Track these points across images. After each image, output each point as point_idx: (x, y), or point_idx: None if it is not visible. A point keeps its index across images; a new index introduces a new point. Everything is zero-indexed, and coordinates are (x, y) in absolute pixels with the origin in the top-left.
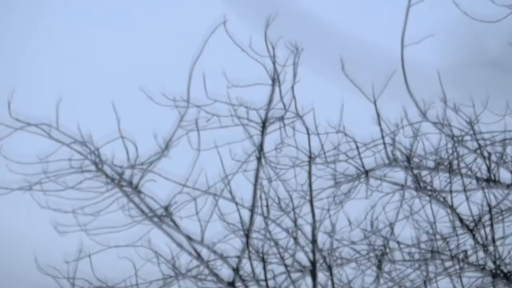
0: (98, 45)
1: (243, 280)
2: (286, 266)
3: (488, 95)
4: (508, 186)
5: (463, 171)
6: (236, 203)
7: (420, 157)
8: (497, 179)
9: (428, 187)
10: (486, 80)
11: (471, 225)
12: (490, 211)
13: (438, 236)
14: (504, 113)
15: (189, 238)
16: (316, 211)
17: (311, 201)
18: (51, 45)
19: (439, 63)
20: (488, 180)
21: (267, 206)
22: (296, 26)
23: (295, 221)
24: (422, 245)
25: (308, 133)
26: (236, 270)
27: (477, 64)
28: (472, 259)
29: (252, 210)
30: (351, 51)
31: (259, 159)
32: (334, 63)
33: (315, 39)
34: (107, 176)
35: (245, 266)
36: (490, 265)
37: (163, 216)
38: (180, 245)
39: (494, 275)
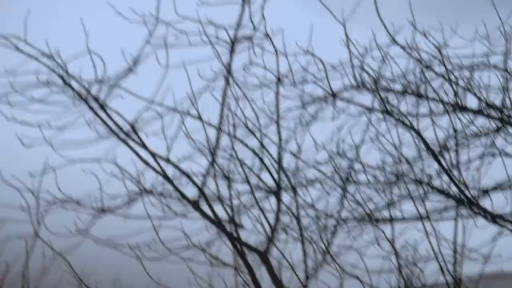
0: None
1: (207, 200)
2: (250, 185)
3: (458, 20)
4: (474, 112)
5: (430, 95)
6: (203, 122)
7: (388, 80)
8: (463, 104)
9: (395, 111)
10: (455, 5)
11: (436, 149)
12: (455, 136)
13: (403, 160)
14: (472, 38)
15: (154, 155)
16: (283, 132)
17: (277, 122)
18: None
19: None
20: (454, 106)
21: (233, 125)
22: None
23: (261, 141)
24: (387, 168)
25: (276, 54)
26: (201, 189)
27: None
28: (436, 183)
29: (218, 129)
30: None
31: (226, 78)
32: None
33: None
34: (74, 91)
35: (210, 185)
36: (454, 190)
37: (129, 133)
38: (145, 162)
39: (457, 200)
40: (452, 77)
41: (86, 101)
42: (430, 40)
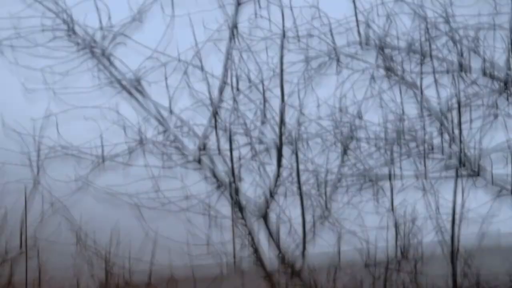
0: None
1: (208, 155)
2: (251, 138)
3: None
4: (478, 79)
5: (435, 54)
6: (205, 72)
7: (392, 37)
8: (467, 63)
9: (398, 68)
10: None
11: (439, 108)
12: (458, 95)
13: (404, 117)
14: (478, 1)
15: (157, 109)
16: (285, 85)
17: (280, 75)
18: None
19: None
20: (458, 65)
21: (236, 77)
22: None
23: (263, 94)
24: (388, 125)
25: (281, 6)
26: (202, 144)
27: None
28: (437, 143)
29: (221, 80)
30: None
31: (231, 29)
32: None
33: None
34: (77, 36)
35: (211, 136)
36: (455, 149)
37: (132, 81)
38: (147, 111)
39: (458, 160)
40: (457, 36)
41: (89, 48)
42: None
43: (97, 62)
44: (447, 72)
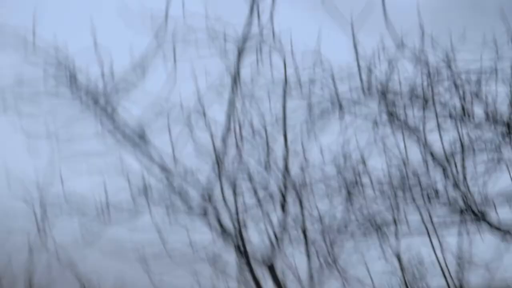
0: None
1: (214, 209)
2: (257, 195)
3: (465, 26)
4: (480, 123)
5: (437, 100)
6: (209, 126)
7: (395, 84)
8: (470, 111)
9: (401, 115)
10: (463, 11)
11: (442, 154)
12: (462, 146)
13: (408, 168)
14: (480, 45)
15: (161, 162)
16: (289, 133)
17: (284, 122)
18: None
19: None
20: (462, 110)
21: (239, 125)
22: None
23: (267, 141)
24: (392, 172)
25: (284, 54)
26: (207, 198)
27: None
28: (441, 193)
29: (225, 135)
30: None
31: (234, 77)
32: None
33: None
34: (80, 84)
35: (216, 194)
36: (460, 200)
37: (137, 137)
38: (150, 159)
39: (463, 211)
40: (459, 83)
41: (92, 96)
42: (437, 45)
43: (99, 109)
44: (450, 116)
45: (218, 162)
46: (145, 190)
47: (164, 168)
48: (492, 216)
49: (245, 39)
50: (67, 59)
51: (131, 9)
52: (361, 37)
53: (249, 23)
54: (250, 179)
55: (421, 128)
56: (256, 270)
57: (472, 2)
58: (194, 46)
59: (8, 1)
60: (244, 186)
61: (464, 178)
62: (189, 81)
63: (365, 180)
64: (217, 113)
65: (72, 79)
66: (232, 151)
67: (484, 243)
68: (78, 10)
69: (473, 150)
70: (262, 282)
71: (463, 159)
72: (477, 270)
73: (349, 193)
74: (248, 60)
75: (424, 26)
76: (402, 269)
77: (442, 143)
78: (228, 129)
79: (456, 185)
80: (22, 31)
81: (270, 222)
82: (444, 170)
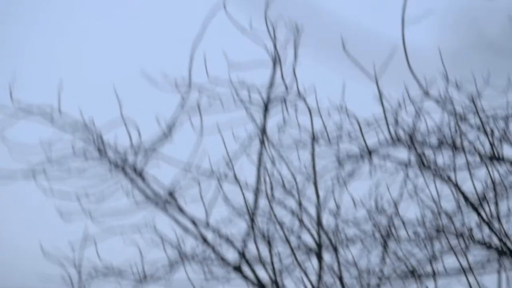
0: (98, 30)
1: (249, 263)
2: (291, 246)
3: (489, 72)
4: (511, 162)
5: (466, 147)
6: (240, 184)
7: (423, 134)
8: (500, 154)
9: (432, 165)
10: (486, 58)
11: (475, 201)
12: (494, 187)
13: (442, 214)
14: (505, 89)
15: (193, 221)
16: (320, 191)
17: (314, 181)
18: (50, 31)
19: (439, 41)
20: (491, 157)
21: (271, 187)
22: (294, 9)
23: (299, 202)
24: (427, 223)
25: (310, 113)
26: (242, 253)
27: (477, 43)
28: (477, 236)
29: (256, 191)
30: (350, 33)
31: (261, 140)
32: (334, 45)
33: (314, 22)
34: (110, 161)
35: (251, 248)
36: (496, 241)
37: (167, 200)
38: (185, 229)
39: (500, 252)
40: (487, 128)
41: (123, 170)
42: (463, 91)
43: (130, 180)
44: (481, 162)
45: (251, 222)
46: (179, 246)
47: (197, 232)
48: None
49: (269, 99)
50: (95, 133)
51: (155, 78)
52: (386, 86)
53: (272, 83)
54: (285, 237)
55: (452, 176)
56: None
57: (493, 44)
58: (219, 110)
59: (31, 80)
60: (277, 237)
61: (498, 217)
62: (217, 142)
63: (399, 224)
64: (247, 173)
65: (101, 153)
66: (264, 211)
67: None
68: (101, 82)
69: (505, 189)
70: None
71: (497, 206)
72: None
73: (383, 239)
74: (275, 119)
75: (447, 71)
76: None
77: (474, 185)
78: (258, 189)
79: (490, 225)
80: (48, 109)
81: (305, 271)
82: (477, 211)
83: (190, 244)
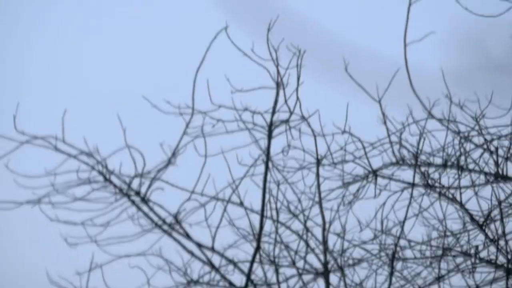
0: (100, 57)
1: (255, 285)
2: (297, 269)
3: (493, 91)
4: None
5: (471, 167)
6: (245, 208)
7: (427, 154)
8: (505, 173)
9: (437, 184)
10: (489, 78)
11: (481, 220)
12: (499, 206)
13: (448, 233)
14: (509, 108)
15: (199, 245)
16: (325, 213)
17: (320, 203)
18: (51, 57)
19: (441, 61)
20: (496, 175)
21: (276, 209)
22: (296, 31)
23: (305, 224)
24: (433, 243)
25: (314, 135)
26: (248, 275)
27: (480, 63)
28: (483, 254)
29: (261, 214)
30: (352, 54)
31: (266, 163)
32: (336, 66)
33: (315, 44)
34: (115, 186)
35: (257, 271)
36: (502, 260)
37: (173, 224)
38: (191, 253)
39: (507, 270)
40: (492, 147)
41: (128, 196)
42: (466, 111)
43: (135, 206)
44: (486, 183)
45: (258, 249)
46: (185, 270)
47: (204, 259)
48: None
49: (273, 122)
50: (100, 163)
51: (158, 104)
52: (389, 107)
53: (275, 106)
54: (289, 253)
55: (457, 197)
56: None
57: (497, 63)
58: (223, 135)
59: (32, 109)
60: (284, 260)
61: (504, 236)
62: (222, 168)
63: (405, 244)
64: (253, 199)
65: (107, 182)
66: (271, 237)
67: None
68: (104, 109)
69: (511, 206)
70: None
71: (503, 225)
72: None
73: (389, 259)
74: (279, 142)
75: (451, 91)
76: None
77: (479, 204)
78: (264, 208)
79: (497, 244)
80: (52, 138)
81: None
82: (483, 230)
83: (196, 268)
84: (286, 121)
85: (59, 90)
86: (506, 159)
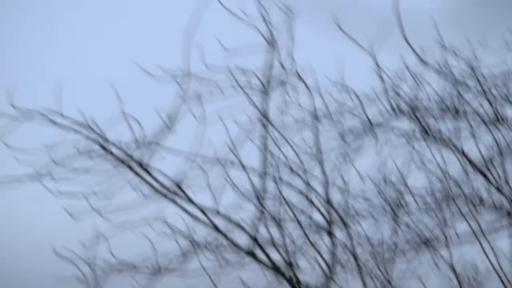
0: (92, 28)
1: (261, 247)
2: (303, 228)
3: (484, 33)
4: None
5: (469, 113)
6: (246, 169)
7: (424, 102)
8: (503, 117)
9: (436, 134)
10: (480, 17)
11: (482, 166)
12: (500, 151)
13: (450, 181)
14: (500, 48)
15: (203, 211)
16: (327, 169)
17: (320, 159)
18: (44, 32)
19: (432, 7)
20: (494, 120)
21: (277, 170)
22: None
23: (307, 182)
24: (436, 192)
25: (310, 92)
26: (253, 237)
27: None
28: (486, 200)
29: (263, 176)
30: (343, 7)
31: (264, 123)
32: (327, 21)
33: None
34: (115, 156)
35: (262, 232)
36: (505, 204)
37: (176, 191)
38: (195, 218)
39: (510, 214)
40: (486, 89)
41: (128, 165)
42: (459, 56)
43: (136, 175)
44: (483, 123)
45: (261, 206)
46: (190, 235)
47: (206, 220)
48: None
49: (268, 82)
50: (96, 132)
51: (152, 71)
52: (382, 57)
53: (270, 66)
54: (293, 211)
55: (455, 139)
56: None
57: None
58: (219, 98)
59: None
60: (288, 218)
61: (506, 180)
62: (219, 128)
63: (408, 196)
64: (251, 156)
65: (105, 150)
66: (272, 193)
67: None
68: (99, 80)
69: (510, 149)
70: None
71: (502, 162)
72: None
73: (393, 211)
74: (275, 102)
75: (443, 35)
76: (458, 279)
77: (480, 150)
78: (265, 169)
79: (499, 189)
80: (49, 112)
81: (319, 250)
82: (485, 176)
83: (201, 233)
84: (282, 81)
85: (52, 62)
86: (503, 101)
